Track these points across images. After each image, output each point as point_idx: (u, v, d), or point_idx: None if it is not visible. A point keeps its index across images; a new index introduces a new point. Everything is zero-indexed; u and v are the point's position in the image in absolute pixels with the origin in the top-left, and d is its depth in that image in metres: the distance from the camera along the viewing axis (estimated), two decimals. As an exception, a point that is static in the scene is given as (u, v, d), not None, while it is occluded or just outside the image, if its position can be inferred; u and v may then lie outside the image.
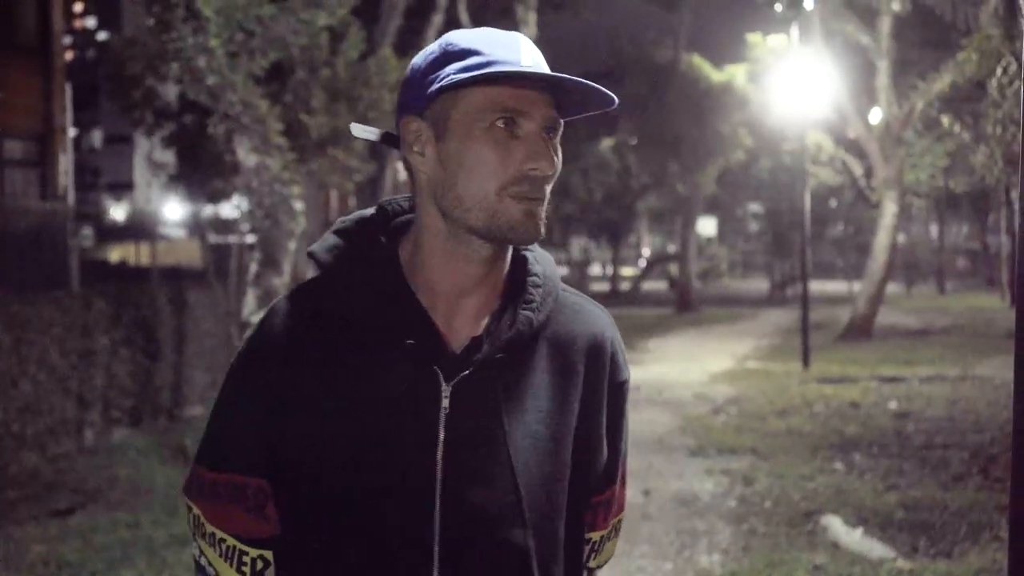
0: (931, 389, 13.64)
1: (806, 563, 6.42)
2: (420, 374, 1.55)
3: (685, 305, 31.57)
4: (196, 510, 1.63)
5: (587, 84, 1.50)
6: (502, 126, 1.51)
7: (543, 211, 1.55)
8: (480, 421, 1.55)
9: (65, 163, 18.25)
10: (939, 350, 18.62)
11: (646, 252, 60.25)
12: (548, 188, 1.54)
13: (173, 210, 46.29)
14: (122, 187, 77.82)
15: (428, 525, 1.52)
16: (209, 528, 1.61)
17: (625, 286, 43.45)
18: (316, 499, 1.55)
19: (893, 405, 12.32)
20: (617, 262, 44.89)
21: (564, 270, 52.20)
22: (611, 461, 1.70)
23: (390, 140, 1.67)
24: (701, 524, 7.47)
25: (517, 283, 1.62)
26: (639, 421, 11.89)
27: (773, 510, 7.75)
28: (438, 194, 1.55)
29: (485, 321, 1.59)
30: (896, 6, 19.85)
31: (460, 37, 1.56)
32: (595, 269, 54.30)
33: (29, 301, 9.80)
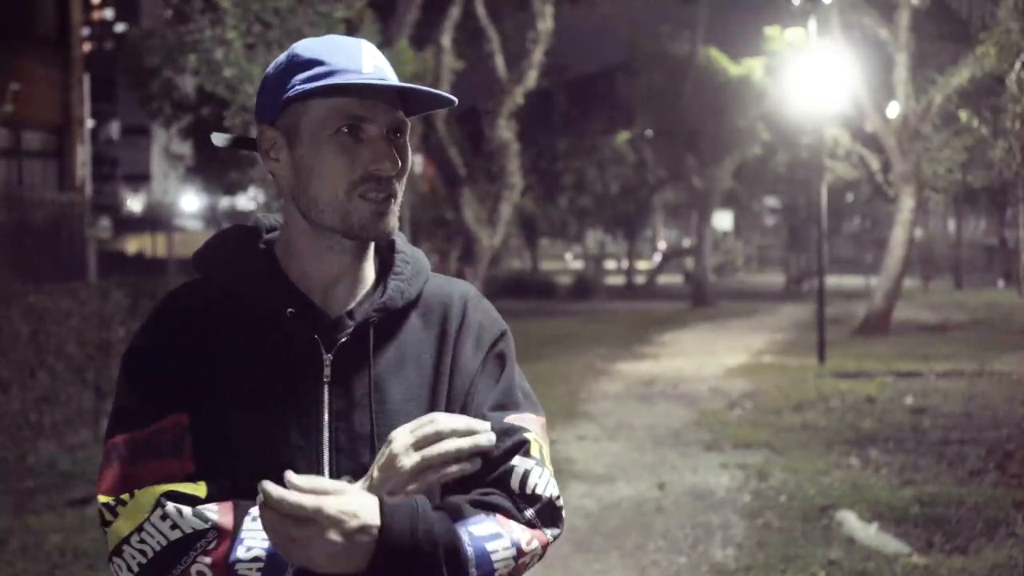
0: (948, 384, 13.59)
1: (821, 558, 6.41)
2: (302, 346, 1.66)
3: (700, 299, 31.50)
4: (117, 509, 1.57)
5: (423, 90, 1.65)
6: (347, 132, 1.63)
7: (394, 206, 1.68)
8: (356, 387, 1.67)
9: (83, 154, 18.31)
10: (956, 345, 18.55)
11: (662, 246, 60.19)
12: (398, 185, 1.67)
13: (190, 202, 46.44)
14: (139, 179, 78.13)
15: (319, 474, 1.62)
16: (129, 522, 1.55)
17: (640, 280, 43.40)
18: (216, 449, 1.62)
19: (909, 400, 12.28)
20: (633, 256, 44.84)
21: (580, 263, 52.21)
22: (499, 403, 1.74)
23: (246, 144, 1.84)
24: (716, 518, 7.46)
25: (386, 262, 1.77)
26: (654, 415, 11.89)
27: (788, 505, 7.74)
28: (296, 197, 1.68)
29: (360, 297, 1.73)
30: (915, 0, 19.76)
31: (305, 47, 1.68)
32: (610, 263, 54.27)
33: (47, 292, 9.84)
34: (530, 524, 1.63)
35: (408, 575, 1.50)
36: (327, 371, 1.67)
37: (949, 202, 31.34)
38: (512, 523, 1.62)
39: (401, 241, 1.79)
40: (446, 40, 22.12)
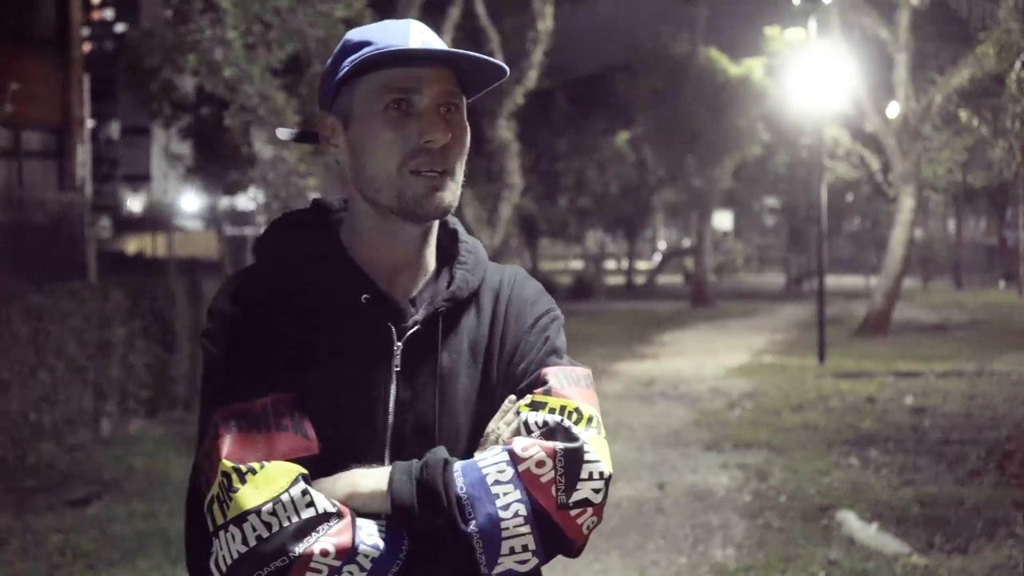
0: (948, 384, 13.59)
1: (821, 558, 6.41)
2: (374, 332, 1.66)
3: (700, 299, 31.50)
4: (232, 477, 1.54)
5: (468, 56, 1.62)
6: (395, 106, 1.63)
7: (451, 183, 1.65)
8: (422, 378, 1.67)
9: (83, 155, 18.30)
10: (956, 345, 18.56)
11: (662, 246, 60.17)
12: (453, 160, 1.65)
13: (190, 202, 46.42)
14: (139, 179, 78.07)
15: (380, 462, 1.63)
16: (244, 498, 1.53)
17: (640, 280, 43.39)
18: None
19: (909, 400, 12.28)
20: (633, 256, 44.83)
21: (579, 264, 52.21)
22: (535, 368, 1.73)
23: (308, 137, 1.83)
24: (716, 518, 7.46)
25: (449, 250, 1.76)
26: (654, 415, 11.88)
27: (788, 505, 7.74)
28: (355, 179, 1.68)
29: (421, 285, 1.72)
30: (915, 0, 19.76)
31: (355, 32, 1.70)
32: (610, 263, 54.26)
33: (47, 292, 9.84)
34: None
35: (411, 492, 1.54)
36: (397, 360, 1.66)
37: (949, 202, 31.39)
38: (516, 438, 1.61)
39: (463, 230, 1.79)
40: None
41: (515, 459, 1.56)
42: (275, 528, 1.50)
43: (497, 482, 1.55)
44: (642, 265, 51.03)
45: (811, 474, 8.63)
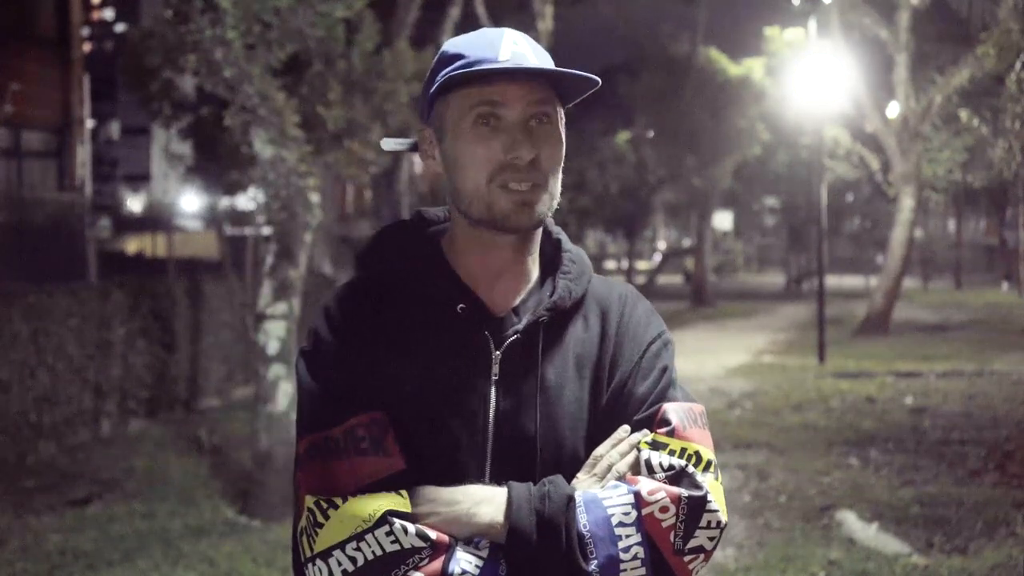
0: (947, 384, 13.59)
1: (821, 558, 6.40)
2: (471, 341, 1.66)
3: (700, 299, 31.50)
4: (326, 510, 1.56)
5: (552, 71, 1.62)
6: (483, 122, 1.62)
7: (541, 195, 1.64)
8: (524, 388, 1.66)
9: (83, 154, 18.31)
10: (956, 345, 18.55)
11: (662, 246, 60.15)
12: (545, 172, 1.64)
13: (190, 202, 46.35)
14: (139, 179, 78.03)
15: (480, 477, 1.63)
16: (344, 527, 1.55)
17: (640, 280, 43.37)
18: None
19: (909, 400, 12.28)
20: (632, 256, 44.82)
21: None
22: (644, 398, 1.72)
23: (412, 147, 1.83)
24: (716, 518, 7.45)
25: (552, 260, 1.75)
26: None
27: (788, 505, 7.74)
28: (451, 192, 1.69)
29: (523, 294, 1.72)
30: (914, 0, 19.76)
31: (451, 43, 1.70)
32: (610, 263, 54.24)
33: (47, 292, 9.84)
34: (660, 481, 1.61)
35: (529, 521, 1.54)
36: (495, 369, 1.66)
37: (949, 202, 31.36)
38: (640, 478, 1.61)
39: (566, 239, 1.78)
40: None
41: (640, 502, 1.57)
42: (360, 562, 1.52)
43: (621, 524, 1.56)
44: (642, 265, 51.01)
45: (811, 474, 8.63)
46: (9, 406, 9.05)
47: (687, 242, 52.85)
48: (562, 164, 1.69)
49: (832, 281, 31.95)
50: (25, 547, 6.82)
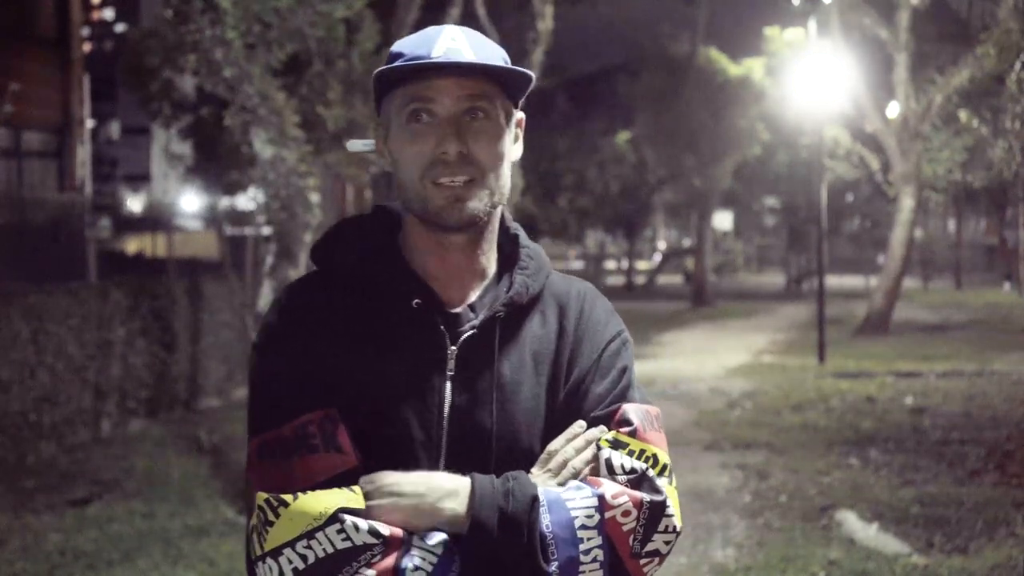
0: (948, 384, 13.59)
1: (821, 558, 6.40)
2: (426, 336, 1.65)
3: (700, 299, 31.49)
4: (273, 506, 1.54)
5: (472, 65, 1.61)
6: (415, 118, 1.63)
7: (475, 191, 1.63)
8: (479, 383, 1.65)
9: (83, 154, 18.30)
10: (956, 345, 18.55)
11: (662, 246, 60.14)
12: (482, 167, 1.63)
13: (190, 202, 46.32)
14: (139, 179, 78.02)
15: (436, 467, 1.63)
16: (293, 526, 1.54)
17: (640, 280, 43.37)
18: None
19: (909, 400, 12.28)
20: (633, 256, 44.82)
21: (579, 264, 52.21)
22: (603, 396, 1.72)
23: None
24: (716, 518, 7.46)
25: (510, 256, 1.74)
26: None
27: (788, 505, 7.74)
28: (397, 187, 1.70)
29: (479, 290, 1.71)
30: (914, 0, 19.75)
31: (397, 44, 1.70)
32: (610, 263, 54.25)
33: (47, 292, 9.85)
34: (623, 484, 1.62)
35: (491, 518, 1.54)
36: (451, 364, 1.65)
37: (949, 202, 31.35)
38: (602, 479, 1.61)
39: (524, 235, 1.77)
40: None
41: (604, 506, 1.58)
42: (311, 560, 1.51)
43: (584, 527, 1.57)
44: (642, 265, 51.00)
45: (811, 474, 8.63)
46: (9, 406, 9.05)
47: (687, 242, 52.90)
48: (508, 159, 1.67)
49: (832, 281, 31.94)
50: (25, 547, 6.82)
